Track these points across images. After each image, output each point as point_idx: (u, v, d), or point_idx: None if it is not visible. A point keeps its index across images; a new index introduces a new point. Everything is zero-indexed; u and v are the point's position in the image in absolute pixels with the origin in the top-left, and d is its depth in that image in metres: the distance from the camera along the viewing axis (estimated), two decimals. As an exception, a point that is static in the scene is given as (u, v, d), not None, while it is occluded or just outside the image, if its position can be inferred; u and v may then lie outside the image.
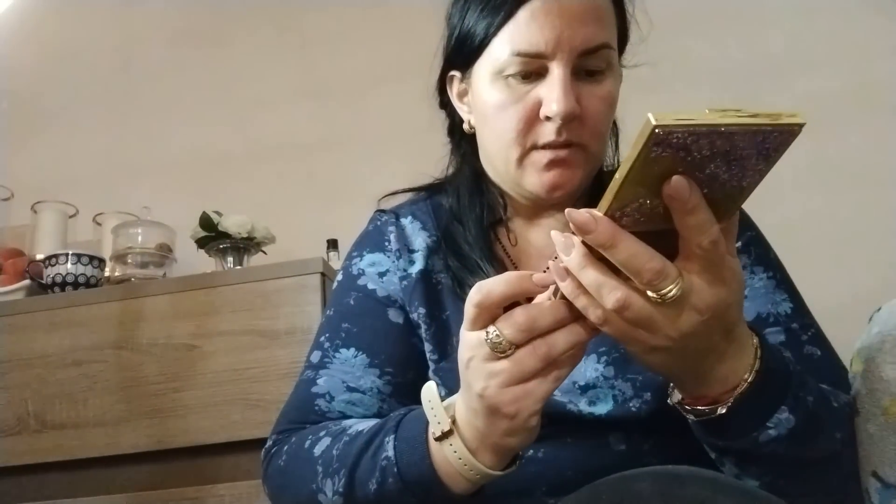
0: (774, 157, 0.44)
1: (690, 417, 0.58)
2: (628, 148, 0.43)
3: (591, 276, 0.49)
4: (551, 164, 0.75)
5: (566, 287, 0.51)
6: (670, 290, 0.47)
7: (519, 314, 0.52)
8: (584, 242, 0.49)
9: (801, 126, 0.43)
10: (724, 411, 0.55)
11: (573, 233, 0.49)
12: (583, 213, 0.47)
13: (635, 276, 0.47)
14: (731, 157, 0.44)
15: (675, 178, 0.44)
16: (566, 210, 0.48)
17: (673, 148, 0.42)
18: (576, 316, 0.53)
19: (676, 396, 0.59)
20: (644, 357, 0.53)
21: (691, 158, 0.43)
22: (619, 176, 0.44)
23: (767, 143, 0.43)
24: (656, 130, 0.41)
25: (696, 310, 0.49)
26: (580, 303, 0.50)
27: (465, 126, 0.84)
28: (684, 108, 0.42)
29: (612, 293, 0.48)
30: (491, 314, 0.53)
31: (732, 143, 0.43)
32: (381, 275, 0.84)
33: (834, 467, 0.62)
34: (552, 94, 0.71)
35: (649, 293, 0.48)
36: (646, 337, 0.50)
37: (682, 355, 0.52)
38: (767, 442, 0.56)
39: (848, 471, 0.64)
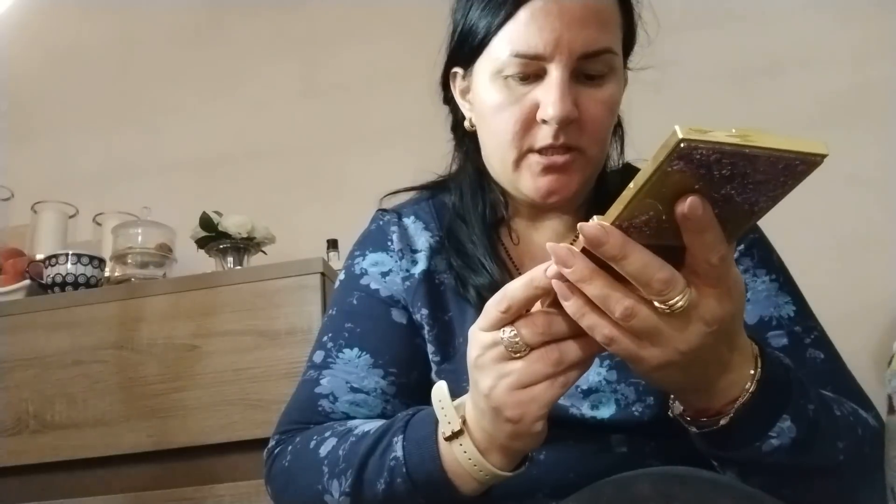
0: (791, 185, 0.44)
1: (692, 430, 0.57)
2: (650, 156, 0.42)
3: (598, 286, 0.48)
4: (547, 170, 0.74)
5: (571, 306, 0.50)
6: (678, 301, 0.47)
7: (539, 317, 0.52)
8: (584, 252, 0.48)
9: (823, 157, 0.42)
10: (725, 422, 0.54)
11: (570, 242, 0.48)
12: (594, 227, 0.46)
13: (645, 286, 0.47)
14: (748, 181, 0.43)
15: (691, 198, 0.44)
16: (579, 225, 0.47)
17: (694, 164, 0.41)
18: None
19: (678, 409, 0.59)
20: (652, 374, 0.52)
21: (710, 177, 0.42)
22: (633, 185, 0.43)
23: (788, 171, 0.42)
24: (681, 144, 0.40)
25: (703, 321, 0.48)
26: (586, 321, 0.49)
27: (467, 124, 0.83)
28: (711, 127, 0.40)
29: (619, 303, 0.47)
30: (514, 319, 0.53)
31: (754, 167, 0.42)
32: (384, 275, 0.83)
33: (837, 476, 0.62)
34: (549, 96, 0.70)
35: (657, 304, 0.47)
36: (652, 353, 0.49)
37: (689, 369, 0.51)
38: (770, 452, 0.56)
39: (854, 480, 0.63)
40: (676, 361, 0.50)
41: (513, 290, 0.52)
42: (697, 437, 0.58)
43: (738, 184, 0.43)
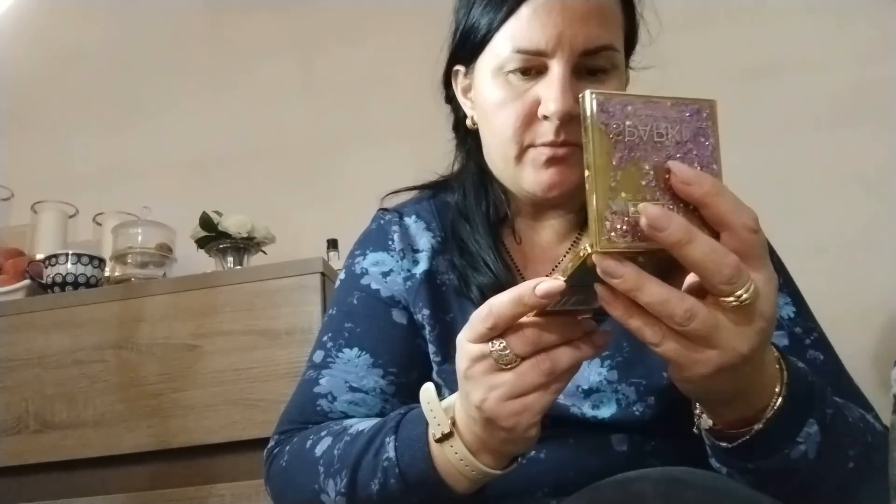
0: (710, 131, 0.47)
1: (723, 444, 0.55)
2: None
3: (653, 293, 0.45)
4: (550, 162, 0.73)
5: (615, 309, 0.47)
6: (744, 292, 0.44)
7: (529, 329, 0.51)
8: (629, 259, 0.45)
9: (713, 100, 0.47)
10: (760, 427, 0.53)
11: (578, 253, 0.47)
12: (611, 262, 0.44)
13: (715, 274, 0.44)
14: (673, 138, 0.46)
15: (669, 162, 0.45)
16: (594, 257, 0.44)
17: (616, 119, 0.45)
18: (579, 333, 0.52)
19: (706, 423, 0.57)
20: (703, 382, 0.48)
21: (637, 138, 0.45)
22: (587, 169, 0.44)
23: (696, 117, 0.47)
24: (593, 96, 0.44)
25: (763, 316, 0.46)
26: (633, 324, 0.47)
27: (469, 122, 0.83)
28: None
29: (678, 306, 0.45)
30: (501, 332, 0.52)
31: (667, 119, 0.46)
32: (385, 275, 0.83)
33: (844, 484, 0.60)
34: (550, 92, 0.71)
35: (723, 299, 0.45)
36: (709, 356, 0.46)
37: (742, 373, 0.49)
38: (798, 459, 0.54)
39: (859, 487, 0.61)
40: (734, 364, 0.47)
41: (499, 306, 0.51)
42: (724, 451, 0.56)
43: (670, 145, 0.46)
